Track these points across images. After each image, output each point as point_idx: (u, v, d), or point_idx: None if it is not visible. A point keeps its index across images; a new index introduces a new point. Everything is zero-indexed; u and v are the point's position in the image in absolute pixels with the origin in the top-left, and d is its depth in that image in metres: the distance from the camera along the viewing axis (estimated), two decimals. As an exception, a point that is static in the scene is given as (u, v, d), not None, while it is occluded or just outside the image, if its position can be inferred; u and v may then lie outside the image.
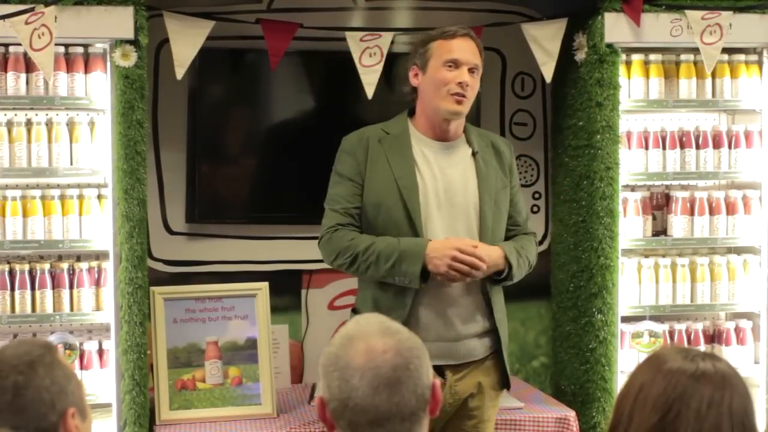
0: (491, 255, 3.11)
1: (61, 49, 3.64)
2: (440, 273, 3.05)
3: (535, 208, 4.42)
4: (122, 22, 3.56)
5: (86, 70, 3.69)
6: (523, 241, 3.29)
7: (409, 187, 3.14)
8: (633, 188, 4.15)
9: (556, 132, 4.32)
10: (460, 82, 3.12)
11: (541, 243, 4.41)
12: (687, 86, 4.09)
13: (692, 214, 4.11)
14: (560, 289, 4.28)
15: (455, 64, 3.14)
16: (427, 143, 3.21)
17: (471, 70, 3.15)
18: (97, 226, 3.70)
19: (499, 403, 3.36)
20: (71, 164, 3.68)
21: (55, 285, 3.70)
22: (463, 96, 3.14)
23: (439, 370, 3.14)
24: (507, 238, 3.29)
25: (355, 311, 3.32)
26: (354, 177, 3.19)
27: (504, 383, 3.30)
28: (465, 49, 3.16)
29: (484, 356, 3.25)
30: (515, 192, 3.33)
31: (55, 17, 3.50)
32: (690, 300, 4.12)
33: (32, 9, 3.47)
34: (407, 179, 3.15)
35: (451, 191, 3.18)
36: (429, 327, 3.14)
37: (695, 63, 4.09)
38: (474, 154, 3.24)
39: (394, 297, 3.15)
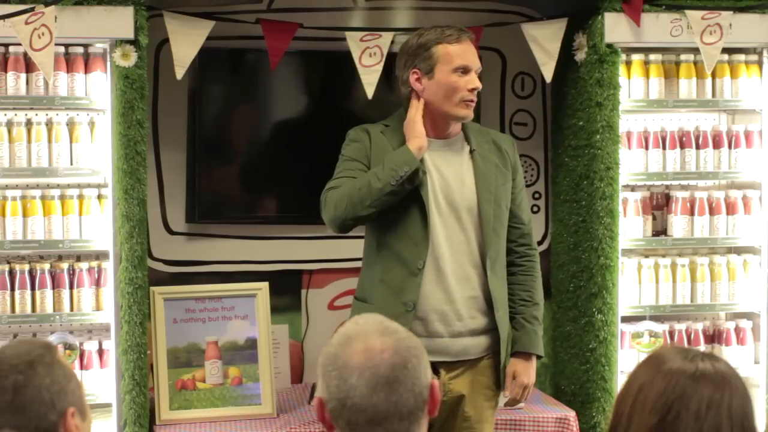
0: (531, 375, 3.27)
1: (61, 49, 3.64)
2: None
3: (535, 208, 4.42)
4: (122, 22, 3.56)
5: (86, 70, 3.69)
6: (534, 294, 3.34)
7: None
8: (633, 188, 4.15)
9: (556, 132, 4.32)
10: (472, 89, 3.17)
11: (541, 243, 4.40)
12: (687, 86, 4.09)
13: (692, 214, 4.10)
14: (560, 289, 4.28)
15: (465, 70, 3.16)
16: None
17: (475, 72, 3.20)
18: (97, 226, 3.70)
19: (496, 403, 3.33)
20: (71, 164, 3.68)
21: (55, 285, 3.70)
22: (474, 100, 3.19)
23: (434, 367, 3.12)
24: (511, 241, 3.29)
25: (359, 300, 3.28)
26: (360, 158, 3.20)
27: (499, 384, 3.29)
28: (470, 53, 3.20)
29: (479, 356, 3.24)
30: (519, 190, 3.33)
31: (55, 17, 3.49)
32: (690, 300, 4.12)
33: (32, 9, 3.47)
34: None
35: (446, 189, 3.19)
36: (426, 321, 3.14)
37: (695, 63, 4.09)
38: (471, 151, 3.25)
39: (404, 279, 3.14)
